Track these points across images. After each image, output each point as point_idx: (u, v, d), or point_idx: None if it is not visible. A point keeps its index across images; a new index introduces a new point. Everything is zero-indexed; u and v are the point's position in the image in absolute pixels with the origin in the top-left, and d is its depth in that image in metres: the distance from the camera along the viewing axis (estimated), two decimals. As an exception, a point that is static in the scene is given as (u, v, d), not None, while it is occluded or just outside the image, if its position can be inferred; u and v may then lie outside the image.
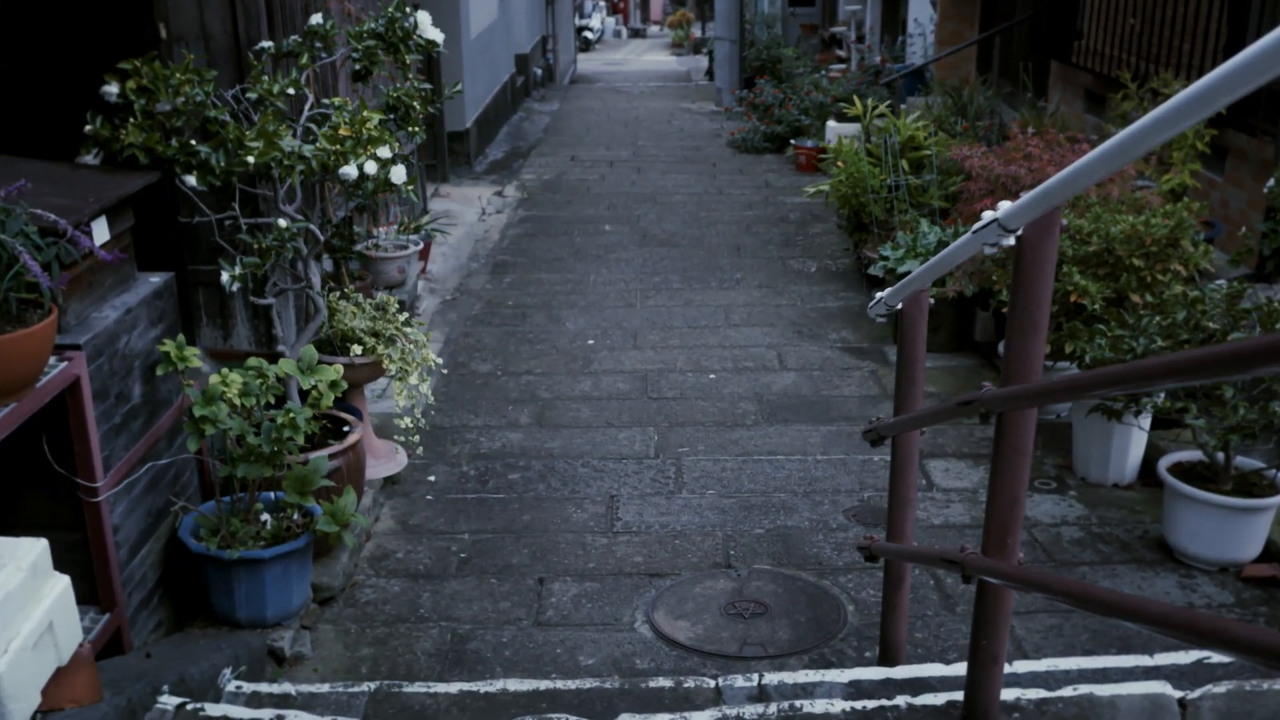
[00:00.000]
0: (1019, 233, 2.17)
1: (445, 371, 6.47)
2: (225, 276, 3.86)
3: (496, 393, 6.22)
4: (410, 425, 4.99)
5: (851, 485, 5.13)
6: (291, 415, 3.43)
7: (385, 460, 5.06)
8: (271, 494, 3.81)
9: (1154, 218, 4.72)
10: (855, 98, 8.44)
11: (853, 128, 9.57)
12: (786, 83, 14.10)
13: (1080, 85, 8.97)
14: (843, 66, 14.96)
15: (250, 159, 3.76)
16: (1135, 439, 4.99)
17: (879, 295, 3.27)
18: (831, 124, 11.62)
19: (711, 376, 6.40)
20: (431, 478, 5.23)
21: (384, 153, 4.50)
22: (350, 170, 4.35)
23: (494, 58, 14.06)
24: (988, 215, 2.23)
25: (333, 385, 3.61)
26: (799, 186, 11.13)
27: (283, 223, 3.90)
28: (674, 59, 27.61)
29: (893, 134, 7.48)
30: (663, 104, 17.46)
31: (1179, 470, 4.46)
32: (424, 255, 7.94)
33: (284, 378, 3.63)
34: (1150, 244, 4.64)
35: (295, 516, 3.91)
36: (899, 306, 3.16)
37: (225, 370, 3.49)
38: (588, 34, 31.52)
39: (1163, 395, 4.48)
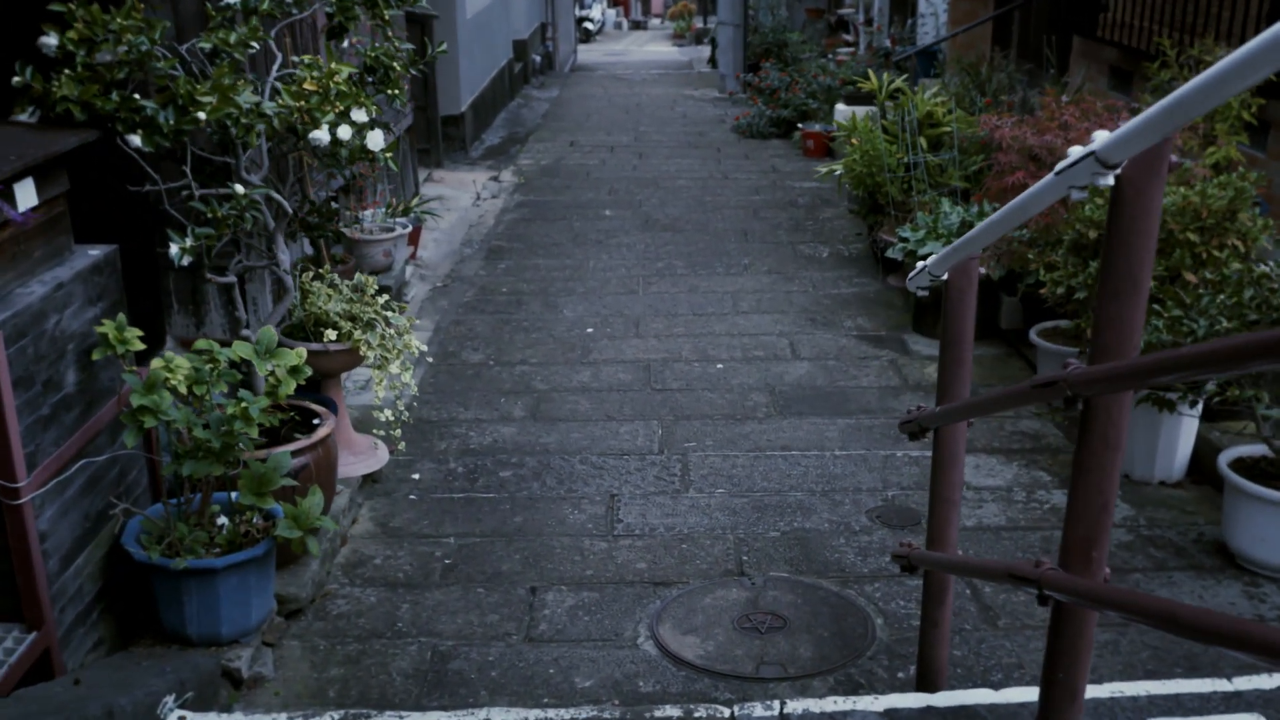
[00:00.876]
0: (1119, 170, 1.73)
1: (431, 360, 6.03)
2: (174, 249, 3.42)
3: (488, 384, 5.78)
4: (391, 418, 4.55)
5: (874, 483, 4.69)
6: (243, 405, 2.99)
7: (364, 456, 4.62)
8: (228, 495, 3.38)
9: (1209, 188, 4.28)
10: (870, 72, 8.00)
11: (864, 111, 9.13)
12: (793, 66, 13.64)
13: (1105, 61, 8.51)
14: (850, 50, 14.50)
15: (201, 115, 3.32)
16: (1185, 431, 4.56)
17: (921, 264, 2.82)
18: (840, 106, 11.18)
19: (719, 366, 5.97)
20: (416, 475, 4.80)
21: (359, 116, 4.06)
22: (321, 134, 3.92)
23: (491, 41, 13.61)
24: (1076, 151, 1.79)
25: (294, 371, 3.17)
26: (807, 171, 10.69)
27: (239, 189, 3.46)
28: (675, 49, 27.20)
29: (910, 110, 7.03)
30: (665, 91, 17.01)
31: (1241, 467, 4.03)
32: (413, 240, 7.50)
33: (240, 363, 3.19)
34: (1206, 217, 4.20)
35: (256, 520, 3.48)
36: (945, 277, 2.72)
37: (170, 354, 3.05)
38: (588, 25, 31.11)
39: (1216, 382, 4.04)
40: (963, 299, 2.69)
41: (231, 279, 3.86)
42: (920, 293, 2.94)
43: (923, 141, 7.10)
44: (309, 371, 3.24)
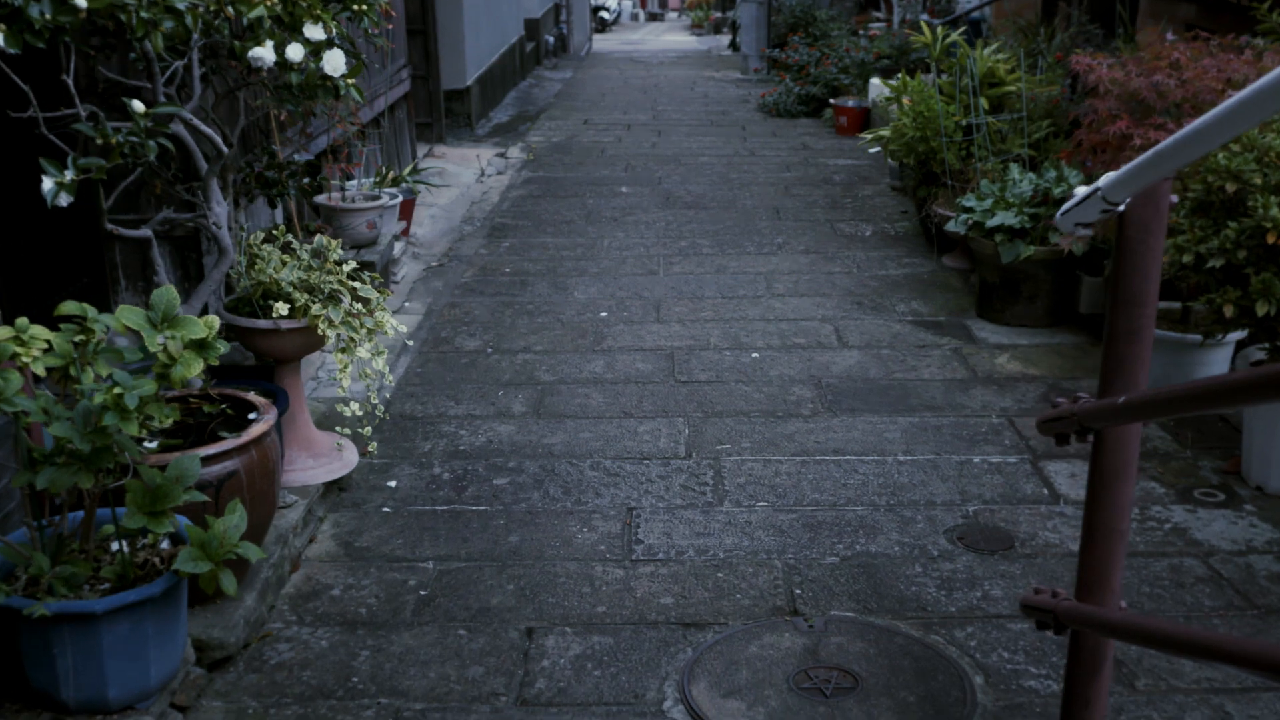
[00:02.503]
0: None
1: (414, 344, 5.19)
2: (48, 184, 2.57)
3: (485, 374, 4.93)
4: (359, 413, 3.71)
5: (950, 496, 3.83)
6: (117, 392, 2.15)
7: (326, 460, 3.78)
8: (114, 512, 2.54)
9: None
10: (923, 24, 7.12)
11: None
12: (822, 41, 12.77)
13: (1180, 20, 7.61)
14: (883, 24, 13.63)
15: (82, 2, 2.48)
16: (1339, 435, 3.68)
17: (1084, 190, 1.95)
18: (875, 81, 10.30)
19: (754, 355, 5.11)
20: (392, 483, 3.96)
21: (314, 33, 3.23)
22: (263, 53, 3.09)
23: (500, 15, 12.78)
24: None
25: (200, 347, 2.33)
26: (841, 149, 9.83)
27: (137, 106, 2.61)
28: (694, 38, 26.40)
29: (971, 64, 6.16)
30: (683, 73, 16.15)
31: None
32: (406, 214, 6.66)
33: (112, 334, 2.35)
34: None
35: (164, 545, 2.64)
36: (1121, 207, 1.86)
37: (23, 321, 2.21)
38: (604, 14, 30.37)
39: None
40: (1146, 239, 1.83)
41: (145, 234, 3.03)
42: (1081, 231, 2.07)
43: (983, 103, 6.23)
44: (222, 348, 2.40)
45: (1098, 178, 5.23)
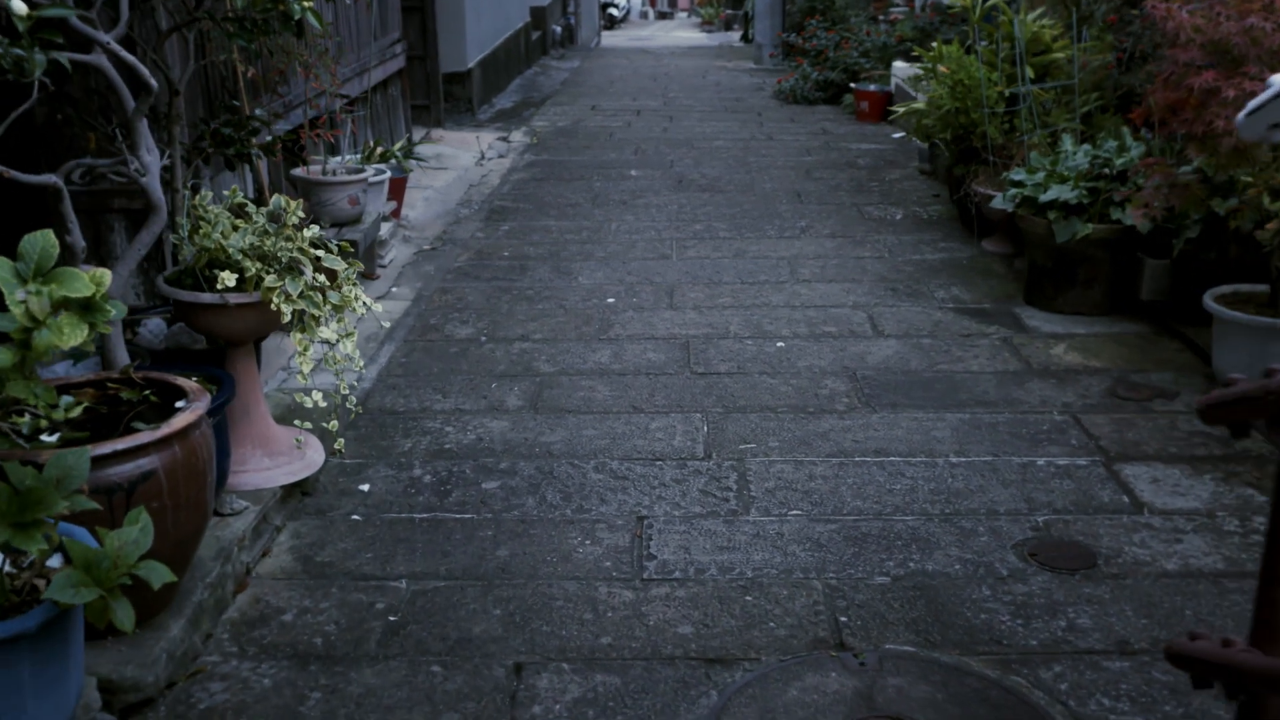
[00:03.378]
0: None
1: (387, 324, 4.65)
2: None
3: (477, 364, 4.39)
4: (321, 404, 3.16)
5: (1015, 503, 3.27)
6: (-48, 362, 1.61)
7: (285, 459, 3.23)
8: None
9: None
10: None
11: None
12: (840, 26, 12.22)
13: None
14: (904, 9, 13.06)
15: None
16: None
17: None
18: (898, 65, 9.78)
19: (779, 344, 4.55)
20: (364, 486, 3.41)
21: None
22: (199, -34, 2.54)
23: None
24: None
25: (84, 308, 1.79)
26: (863, 134, 9.28)
27: (19, 6, 2.07)
28: (704, 35, 25.95)
29: (1016, 28, 5.60)
30: (695, 63, 15.61)
31: None
32: (396, 194, 6.12)
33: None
34: None
35: (54, 563, 2.10)
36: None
37: None
38: (613, 10, 29.97)
39: None
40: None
41: (50, 180, 2.48)
42: (1278, 136, 1.50)
43: (1029, 71, 5.67)
44: (112, 312, 1.85)
45: (1163, 148, 4.55)
